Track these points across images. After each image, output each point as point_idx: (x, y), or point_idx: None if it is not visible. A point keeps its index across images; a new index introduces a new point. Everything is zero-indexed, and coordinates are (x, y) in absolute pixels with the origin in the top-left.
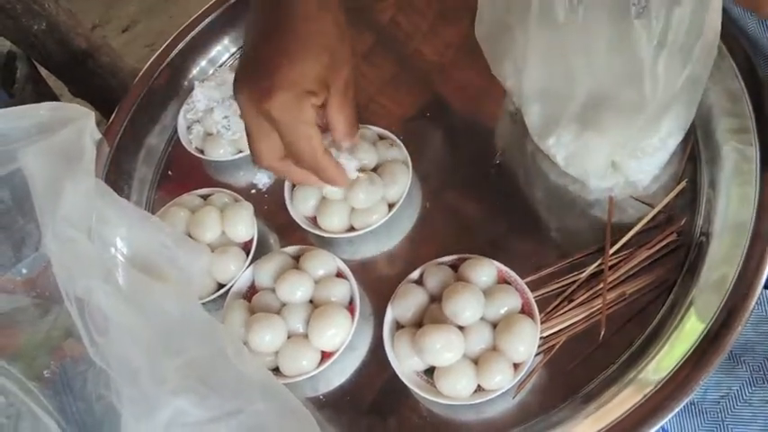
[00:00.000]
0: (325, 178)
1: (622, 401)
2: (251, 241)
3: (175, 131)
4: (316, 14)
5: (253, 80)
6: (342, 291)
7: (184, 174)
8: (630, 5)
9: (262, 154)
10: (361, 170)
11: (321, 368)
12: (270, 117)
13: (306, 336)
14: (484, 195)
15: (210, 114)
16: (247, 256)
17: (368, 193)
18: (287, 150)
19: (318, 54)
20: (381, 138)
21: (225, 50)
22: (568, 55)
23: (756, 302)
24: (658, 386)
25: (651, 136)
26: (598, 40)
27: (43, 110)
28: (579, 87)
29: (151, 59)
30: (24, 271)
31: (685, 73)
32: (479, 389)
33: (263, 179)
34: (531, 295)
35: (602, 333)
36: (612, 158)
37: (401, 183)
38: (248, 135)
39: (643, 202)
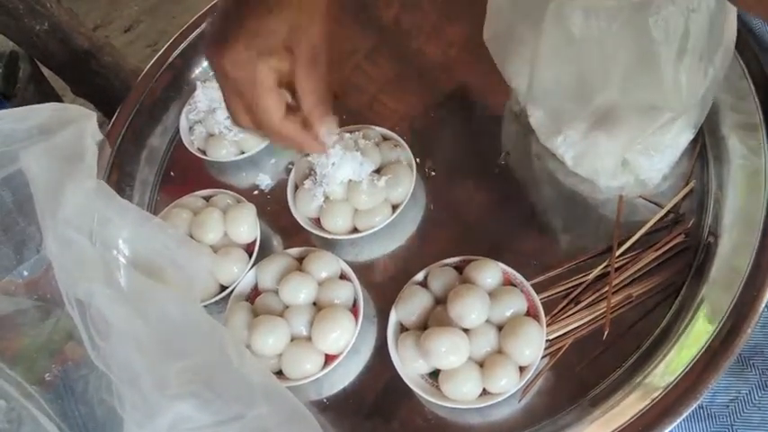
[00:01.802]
0: (292, 146)
1: (630, 405)
2: (254, 243)
3: (177, 132)
4: None
5: (214, 39)
6: (345, 293)
7: (186, 175)
8: (649, 15)
9: (235, 114)
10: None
11: (325, 371)
12: (227, 74)
13: (309, 338)
14: (489, 196)
15: (212, 115)
16: (250, 257)
17: (371, 195)
18: (249, 114)
19: (279, 13)
20: (385, 138)
21: None
22: (584, 61)
23: (766, 305)
24: (666, 390)
25: (663, 134)
26: (616, 49)
27: (44, 111)
28: (594, 93)
29: (153, 59)
30: (26, 273)
31: (708, 79)
32: (485, 392)
33: (265, 180)
34: (536, 297)
35: (606, 333)
36: (623, 156)
37: (405, 184)
38: (222, 94)
39: (651, 202)
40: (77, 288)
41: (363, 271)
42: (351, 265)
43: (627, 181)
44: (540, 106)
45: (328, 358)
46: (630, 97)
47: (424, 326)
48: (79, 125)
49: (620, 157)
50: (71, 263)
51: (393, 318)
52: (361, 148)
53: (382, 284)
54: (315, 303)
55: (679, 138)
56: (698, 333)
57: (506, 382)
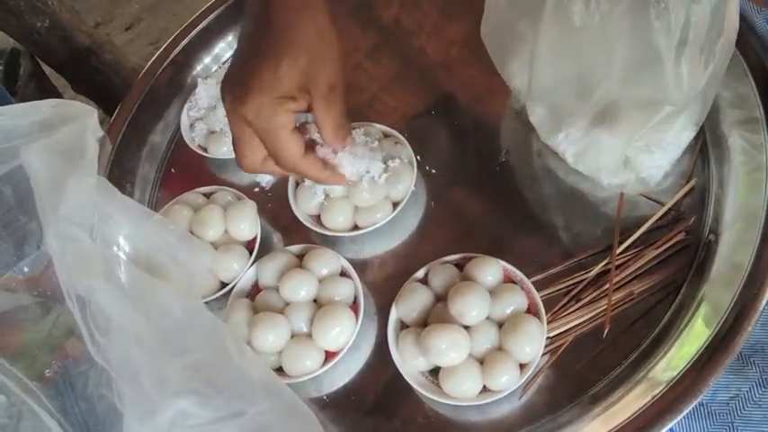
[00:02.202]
0: (314, 180)
1: (630, 403)
2: (254, 240)
3: (178, 129)
4: (294, 15)
5: (232, 84)
6: (346, 290)
7: (187, 171)
8: (650, 6)
9: (244, 158)
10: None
11: (325, 368)
12: (247, 121)
13: (309, 335)
14: (489, 193)
15: (213, 112)
16: (251, 254)
17: (372, 192)
18: (269, 154)
19: (295, 57)
20: (386, 136)
21: (228, 47)
22: (583, 55)
23: (766, 302)
24: (667, 387)
25: (665, 131)
26: (616, 41)
27: (46, 107)
28: (594, 87)
29: (154, 57)
30: (26, 269)
31: (708, 71)
32: (485, 389)
33: (266, 177)
34: (537, 295)
35: (606, 332)
36: (625, 153)
37: (406, 181)
38: (233, 139)
39: (652, 200)
40: (78, 284)
41: (364, 268)
42: (351, 262)
43: (628, 178)
44: (541, 104)
45: (328, 355)
46: (631, 90)
47: (424, 323)
48: (80, 122)
49: (621, 155)
50: (72, 259)
51: (393, 315)
52: (373, 147)
53: (383, 281)
54: (315, 300)
55: (681, 135)
56: (698, 331)
57: (507, 380)
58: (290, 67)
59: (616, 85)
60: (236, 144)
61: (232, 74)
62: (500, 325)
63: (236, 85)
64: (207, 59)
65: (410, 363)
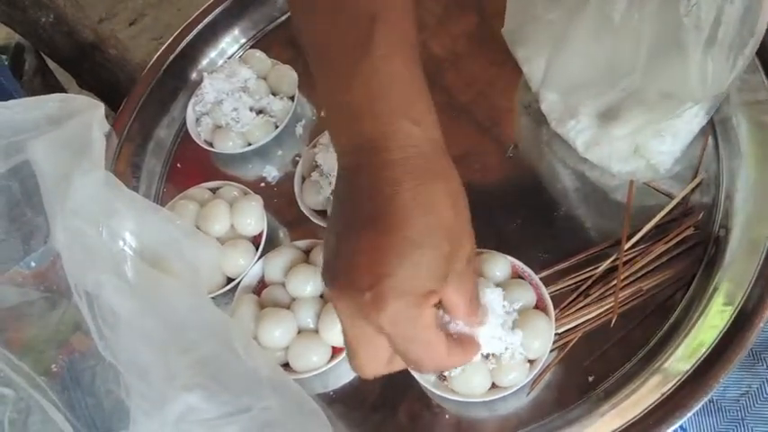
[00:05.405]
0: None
1: (640, 399)
2: (260, 235)
3: (184, 124)
4: (423, 188)
5: (353, 285)
6: None
7: (193, 166)
8: (680, 2)
9: (365, 365)
10: None
11: (332, 364)
12: (380, 328)
13: (316, 331)
14: (497, 189)
15: (219, 107)
16: (257, 249)
17: None
18: (402, 358)
19: (437, 245)
20: None
21: (234, 42)
22: (615, 47)
23: None
24: (677, 384)
25: (676, 117)
26: (647, 35)
27: (52, 101)
28: (620, 77)
29: (160, 51)
30: (33, 264)
31: (736, 71)
32: (493, 385)
33: (272, 172)
34: (545, 291)
35: (613, 322)
36: (636, 140)
37: None
38: (347, 344)
39: (661, 192)
40: (85, 279)
41: None
42: None
43: (638, 165)
44: (556, 90)
45: (335, 351)
46: (654, 83)
47: None
48: (86, 116)
49: (632, 143)
50: (79, 254)
51: None
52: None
53: None
54: (322, 296)
55: (692, 121)
56: (708, 327)
57: (515, 376)
58: (433, 259)
59: (641, 76)
60: (353, 351)
61: (345, 270)
62: None
63: (361, 288)
64: (212, 54)
65: None
